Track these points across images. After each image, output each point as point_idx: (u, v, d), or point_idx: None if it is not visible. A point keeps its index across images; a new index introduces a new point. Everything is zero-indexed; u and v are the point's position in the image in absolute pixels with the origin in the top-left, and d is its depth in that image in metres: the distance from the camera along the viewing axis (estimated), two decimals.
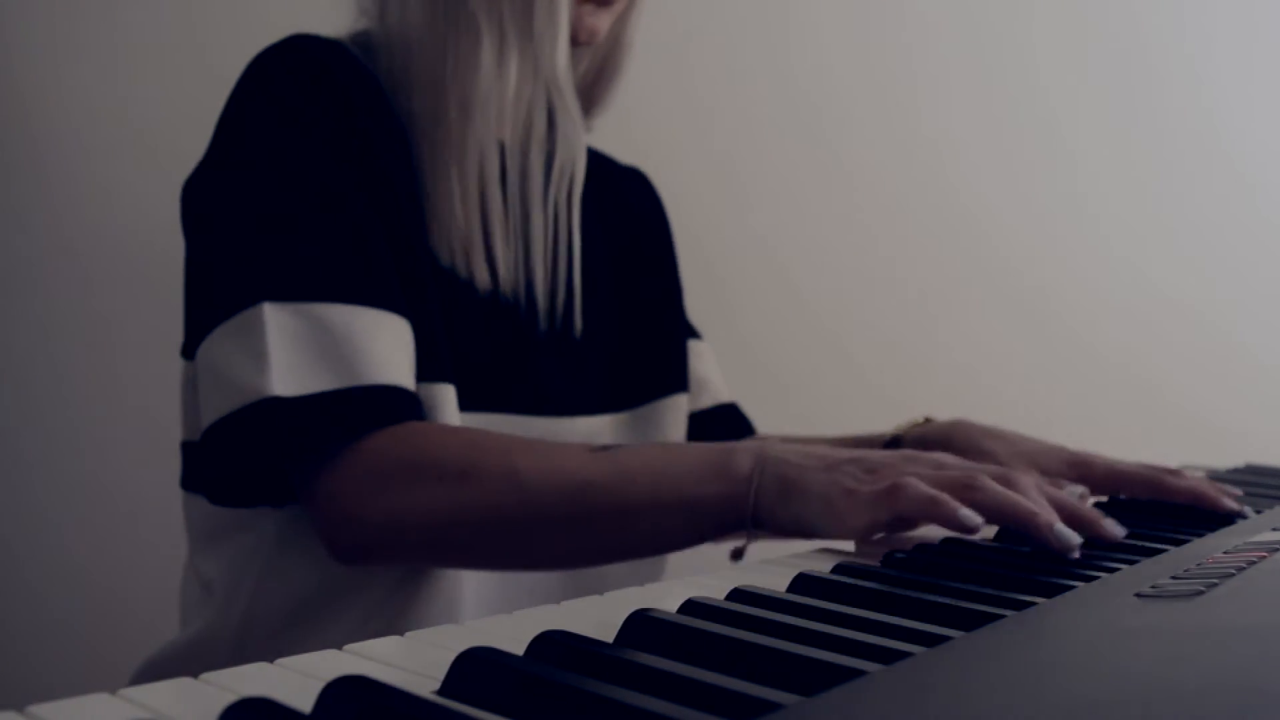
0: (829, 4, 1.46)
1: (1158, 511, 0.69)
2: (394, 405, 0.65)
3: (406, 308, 0.70)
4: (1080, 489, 0.63)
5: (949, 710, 0.28)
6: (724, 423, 0.96)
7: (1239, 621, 0.36)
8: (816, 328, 1.43)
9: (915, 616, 0.40)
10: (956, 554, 0.54)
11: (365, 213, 0.70)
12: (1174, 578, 0.44)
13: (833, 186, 1.46)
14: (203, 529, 0.77)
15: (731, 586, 0.45)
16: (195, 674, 0.34)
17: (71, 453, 1.04)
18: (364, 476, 0.63)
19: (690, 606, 0.42)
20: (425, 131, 0.74)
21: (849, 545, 0.60)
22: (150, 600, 0.96)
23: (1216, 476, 0.83)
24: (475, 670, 0.33)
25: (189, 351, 0.76)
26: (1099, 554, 0.54)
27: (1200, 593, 0.40)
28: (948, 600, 0.43)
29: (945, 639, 0.36)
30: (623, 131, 0.95)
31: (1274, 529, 0.58)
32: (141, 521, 1.05)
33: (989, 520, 0.54)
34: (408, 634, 0.40)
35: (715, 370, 0.98)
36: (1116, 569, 0.49)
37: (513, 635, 0.37)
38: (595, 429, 0.83)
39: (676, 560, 0.85)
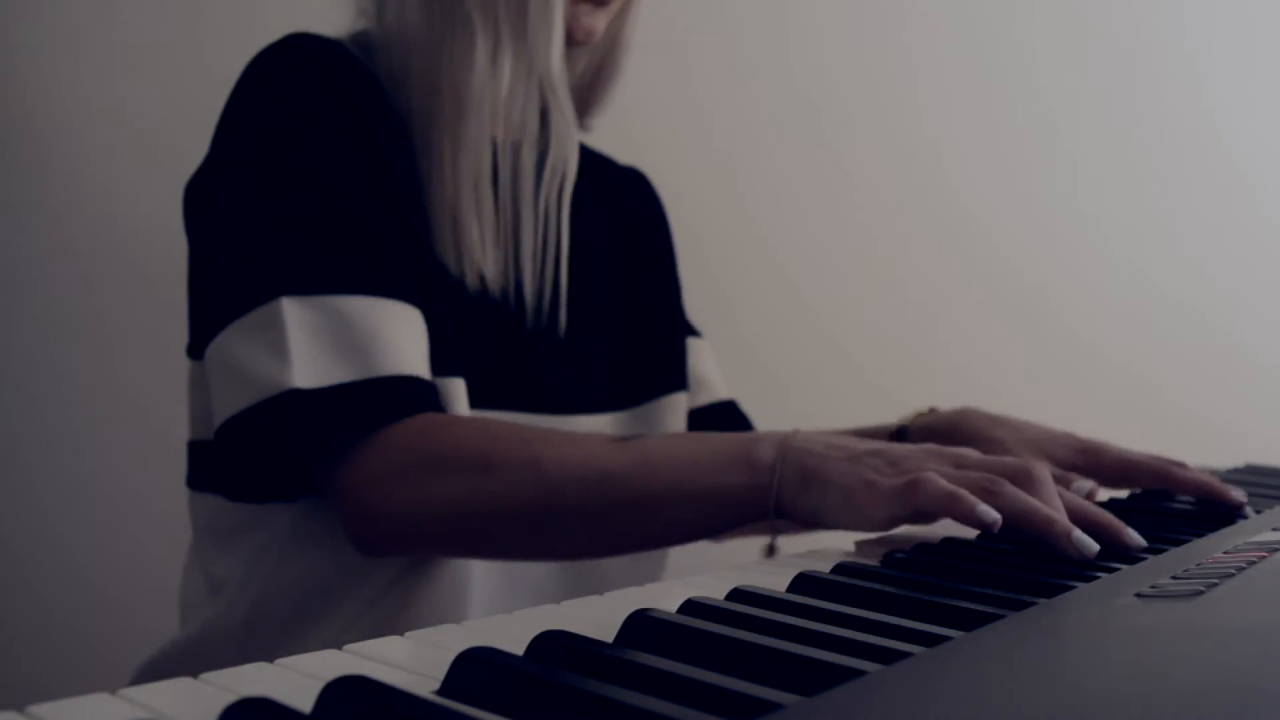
0: (829, 4, 1.46)
1: (1158, 511, 0.69)
2: (413, 396, 0.66)
3: (419, 298, 0.70)
4: (1089, 485, 0.63)
5: (949, 710, 0.28)
6: (723, 420, 0.96)
7: (1239, 621, 0.36)
8: (816, 327, 1.43)
9: (915, 616, 0.40)
10: (956, 554, 0.54)
11: (374, 205, 0.70)
12: (1174, 578, 0.44)
13: (832, 186, 1.46)
14: (212, 527, 0.77)
15: (731, 586, 0.45)
16: (200, 671, 0.34)
17: (71, 453, 1.04)
18: (386, 468, 0.64)
19: (690, 606, 0.42)
20: (422, 130, 0.75)
21: (848, 545, 0.60)
22: (150, 600, 0.96)
23: (1217, 476, 0.83)
24: (475, 670, 0.33)
25: (197, 350, 0.76)
26: (1100, 553, 0.53)
27: (1200, 593, 0.40)
28: (948, 600, 0.43)
29: (945, 639, 0.36)
30: (621, 131, 0.95)
31: (1274, 529, 0.58)
32: (141, 521, 1.05)
33: (1008, 524, 0.54)
34: (407, 634, 0.40)
35: (714, 368, 0.98)
36: (1116, 569, 0.49)
37: (512, 635, 0.37)
38: (595, 428, 0.83)
39: (676, 560, 0.85)
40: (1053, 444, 0.75)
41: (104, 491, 1.05)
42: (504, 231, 0.78)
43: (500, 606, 0.75)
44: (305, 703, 0.30)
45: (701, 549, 0.68)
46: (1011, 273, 1.53)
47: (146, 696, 0.32)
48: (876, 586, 0.46)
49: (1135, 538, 0.56)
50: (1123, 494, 0.75)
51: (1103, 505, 0.69)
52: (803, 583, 0.47)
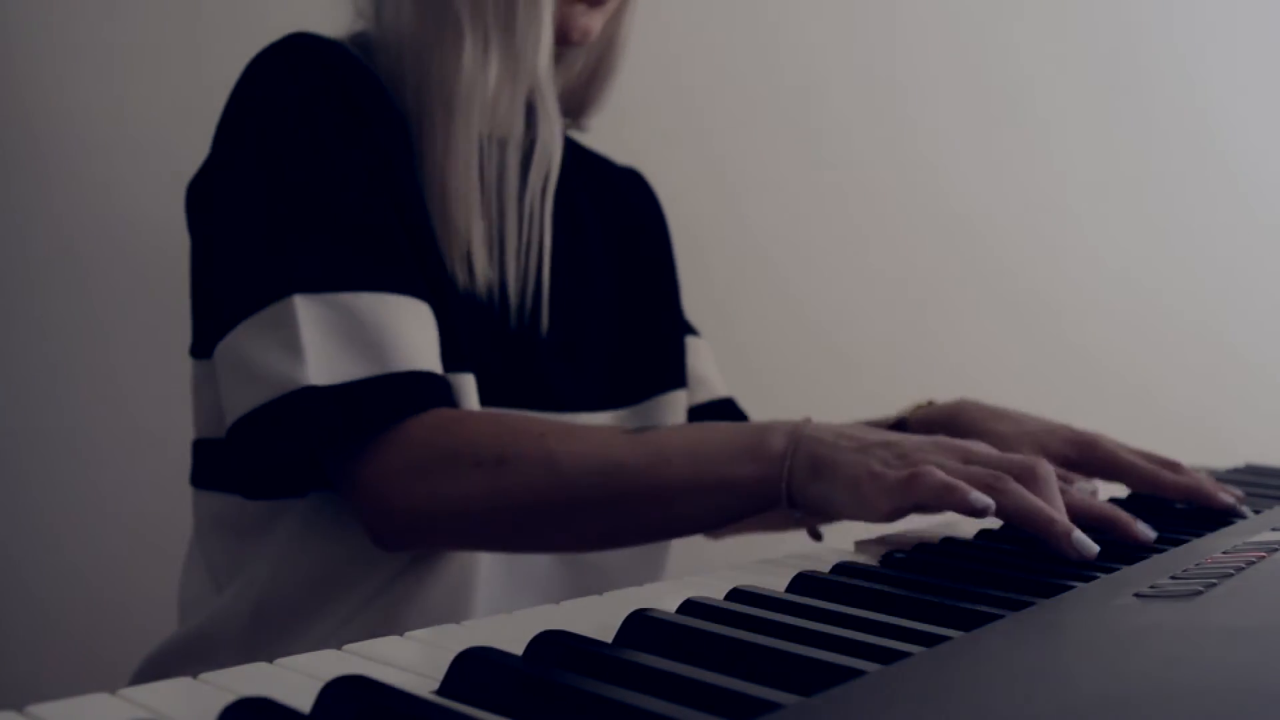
0: (821, 5, 1.46)
1: (1157, 511, 0.69)
2: (427, 391, 0.67)
3: (428, 293, 0.71)
4: (1092, 486, 0.63)
5: (948, 710, 0.28)
6: (722, 417, 0.96)
7: (1238, 621, 0.36)
8: (810, 328, 1.44)
9: (915, 616, 0.40)
10: (956, 554, 0.54)
11: (379, 200, 0.71)
12: (1173, 578, 0.44)
13: (825, 187, 1.46)
14: (219, 523, 0.77)
15: (731, 586, 0.45)
16: (203, 665, 0.34)
17: (70, 452, 1.04)
18: (403, 465, 0.64)
19: (689, 606, 0.42)
20: (416, 129, 0.75)
21: (849, 545, 0.60)
22: (149, 600, 0.96)
23: (1216, 477, 0.83)
24: (474, 670, 0.33)
25: (205, 349, 0.77)
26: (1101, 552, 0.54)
27: (1199, 593, 0.40)
28: (947, 600, 0.43)
29: (945, 639, 0.36)
30: (615, 132, 0.95)
31: (1273, 529, 0.58)
32: (141, 521, 1.05)
33: (1009, 522, 0.54)
34: (407, 634, 0.40)
35: (712, 366, 0.99)
36: (1116, 569, 0.49)
37: (512, 635, 0.37)
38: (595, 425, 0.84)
39: (676, 560, 0.85)
40: (1049, 436, 0.75)
41: (103, 491, 1.05)
42: (491, 232, 0.78)
43: (504, 600, 0.76)
44: (305, 703, 0.30)
45: (701, 549, 0.68)
46: (1005, 274, 1.54)
47: (146, 696, 0.32)
48: (876, 586, 0.46)
49: (1145, 531, 0.56)
50: (1121, 493, 0.75)
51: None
52: (802, 583, 0.47)
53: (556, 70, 0.87)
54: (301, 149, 0.70)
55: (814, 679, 0.32)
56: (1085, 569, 0.51)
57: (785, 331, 1.42)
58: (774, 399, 1.06)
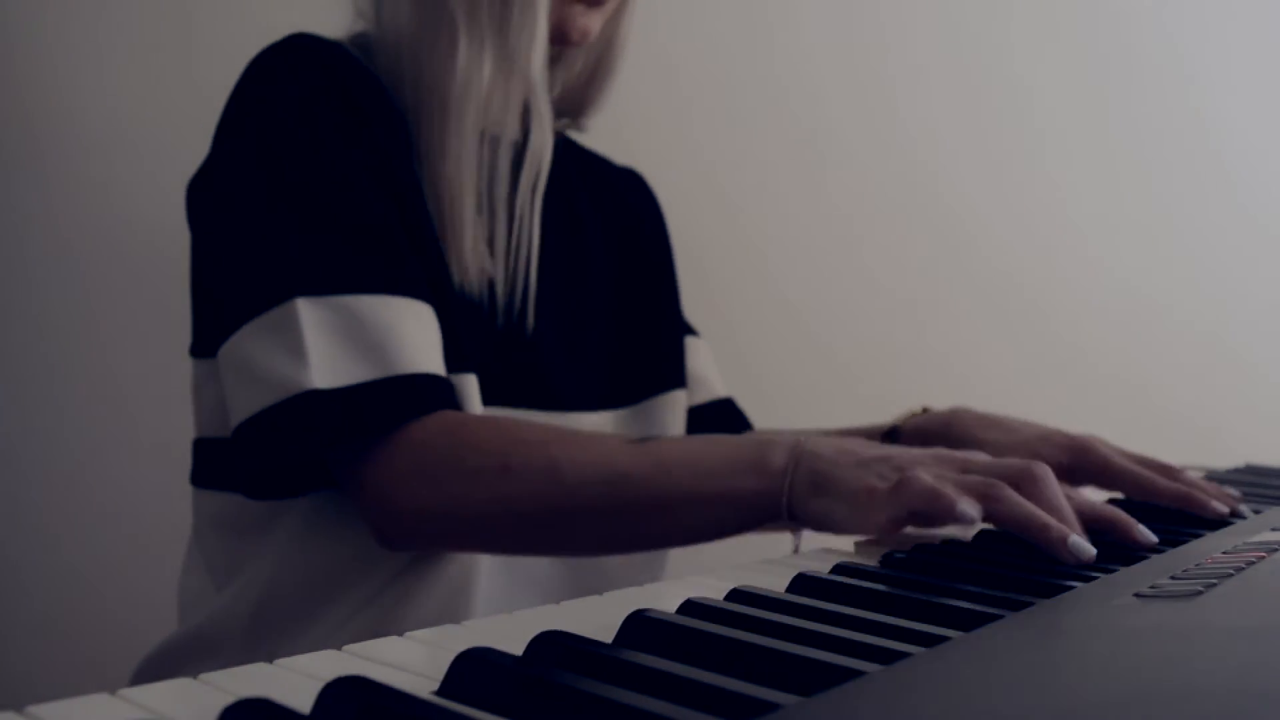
0: (815, 5, 1.46)
1: (1157, 511, 0.69)
2: (431, 393, 0.67)
3: (430, 295, 0.71)
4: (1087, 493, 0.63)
5: (948, 710, 0.28)
6: (721, 418, 0.96)
7: (1238, 622, 0.36)
8: (805, 331, 1.43)
9: (914, 617, 0.40)
10: (956, 554, 0.54)
11: (381, 202, 0.71)
12: (1173, 578, 0.44)
13: (819, 189, 1.46)
14: (221, 522, 0.77)
15: (731, 587, 0.45)
16: (203, 664, 0.34)
17: (68, 452, 1.04)
18: (408, 468, 0.65)
19: (689, 607, 0.42)
20: (415, 129, 0.76)
21: (848, 545, 0.60)
22: (150, 600, 0.96)
23: (1216, 477, 0.83)
24: (474, 670, 0.33)
25: (206, 349, 0.77)
26: (1099, 553, 0.53)
27: (1199, 593, 0.40)
28: (947, 600, 0.43)
29: (944, 639, 0.36)
30: (614, 133, 0.95)
31: (1273, 529, 0.58)
32: (140, 521, 1.05)
33: (1005, 529, 0.54)
34: (407, 634, 0.40)
35: (712, 367, 0.99)
36: (1115, 569, 0.49)
37: (511, 635, 0.37)
38: (595, 425, 0.84)
39: (676, 560, 0.85)
40: (1042, 443, 0.76)
41: (102, 491, 1.05)
42: (481, 231, 0.78)
43: (504, 600, 0.76)
44: (304, 703, 0.30)
45: (701, 549, 0.68)
46: (1001, 275, 1.53)
47: (145, 697, 0.32)
48: (875, 587, 0.46)
49: (1146, 534, 0.56)
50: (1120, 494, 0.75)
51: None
52: (802, 583, 0.47)
53: (556, 70, 0.88)
54: (302, 149, 0.70)
55: (814, 679, 0.32)
56: (1085, 569, 0.51)
57: (781, 334, 1.42)
58: (769, 403, 1.06)
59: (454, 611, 0.73)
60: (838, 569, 0.50)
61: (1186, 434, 1.47)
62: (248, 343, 0.67)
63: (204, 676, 0.34)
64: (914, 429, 0.83)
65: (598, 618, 0.41)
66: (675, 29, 1.32)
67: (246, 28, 0.85)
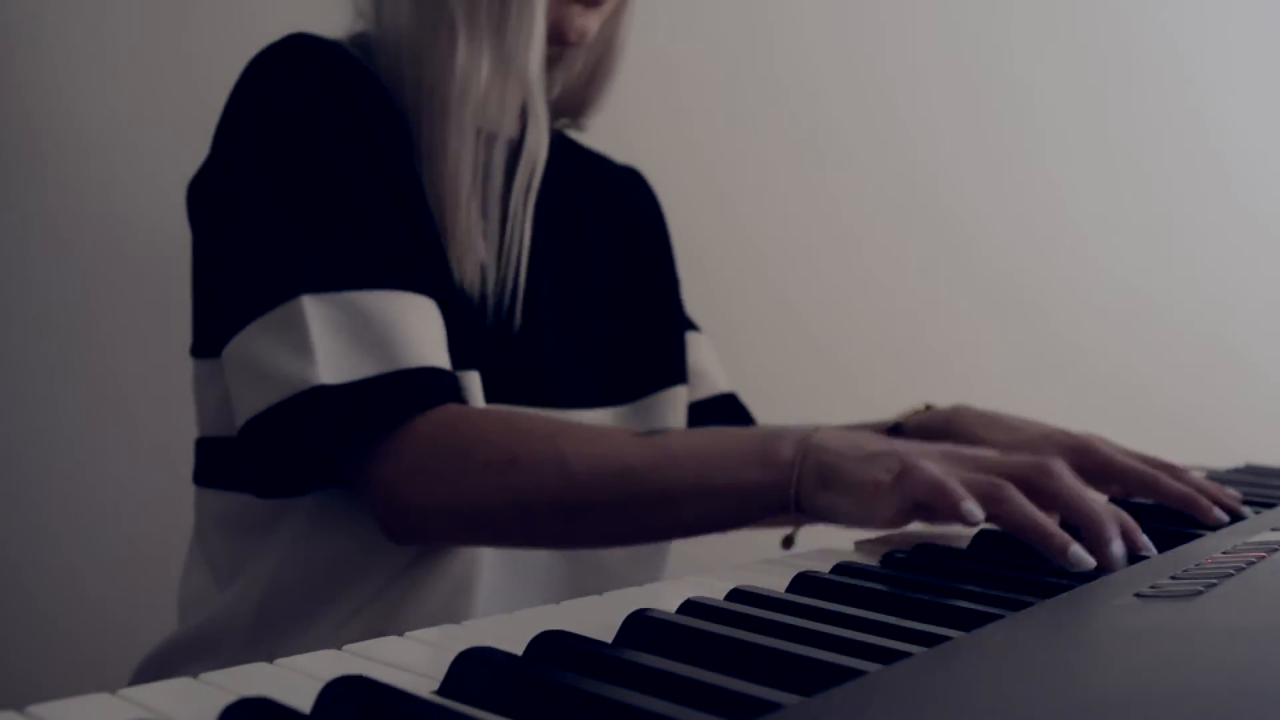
0: (814, 5, 1.46)
1: (1157, 511, 0.69)
2: (437, 386, 0.67)
3: (434, 290, 0.71)
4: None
5: (948, 710, 0.28)
6: (723, 413, 0.97)
7: (1238, 622, 0.36)
8: (805, 331, 1.43)
9: (915, 616, 0.40)
10: (956, 554, 0.55)
11: (383, 198, 0.71)
12: (1173, 578, 0.44)
13: (821, 189, 1.46)
14: (225, 521, 0.78)
15: (731, 586, 0.45)
16: (205, 662, 0.34)
17: (68, 452, 1.04)
18: (415, 462, 0.65)
19: (689, 606, 0.42)
20: (415, 128, 0.76)
21: (848, 545, 0.60)
22: (150, 600, 0.96)
23: (1216, 477, 0.83)
24: (474, 670, 0.33)
25: (208, 349, 0.77)
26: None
27: (1199, 593, 0.40)
28: (947, 600, 0.43)
29: (945, 639, 0.36)
30: (613, 132, 0.95)
31: (1273, 529, 0.58)
32: (140, 521, 1.05)
33: (1008, 532, 0.54)
34: (407, 634, 0.40)
35: (714, 362, 0.99)
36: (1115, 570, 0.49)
37: (512, 635, 0.37)
38: (595, 422, 0.84)
39: (676, 560, 0.85)
40: (1044, 442, 0.76)
41: (102, 491, 1.05)
42: (475, 230, 0.78)
43: (505, 599, 0.76)
44: (305, 703, 0.30)
45: (701, 548, 0.68)
46: (1000, 274, 1.53)
47: (146, 696, 0.32)
48: (876, 586, 0.46)
49: (1147, 546, 0.56)
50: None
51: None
52: (802, 583, 0.47)
53: (556, 70, 0.88)
54: (302, 147, 0.71)
55: (814, 679, 0.32)
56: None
57: (780, 334, 1.42)
58: (769, 402, 1.06)
59: (455, 610, 0.73)
60: (838, 569, 0.50)
61: (1186, 434, 1.47)
62: (253, 341, 0.67)
63: (204, 676, 0.34)
64: (916, 426, 0.83)
65: (598, 618, 0.41)
66: (675, 29, 1.32)
67: (246, 28, 0.85)
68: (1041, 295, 1.55)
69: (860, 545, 0.60)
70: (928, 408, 0.85)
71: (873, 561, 0.53)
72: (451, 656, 0.33)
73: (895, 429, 0.85)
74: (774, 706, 0.29)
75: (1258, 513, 0.68)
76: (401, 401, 0.65)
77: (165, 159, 0.97)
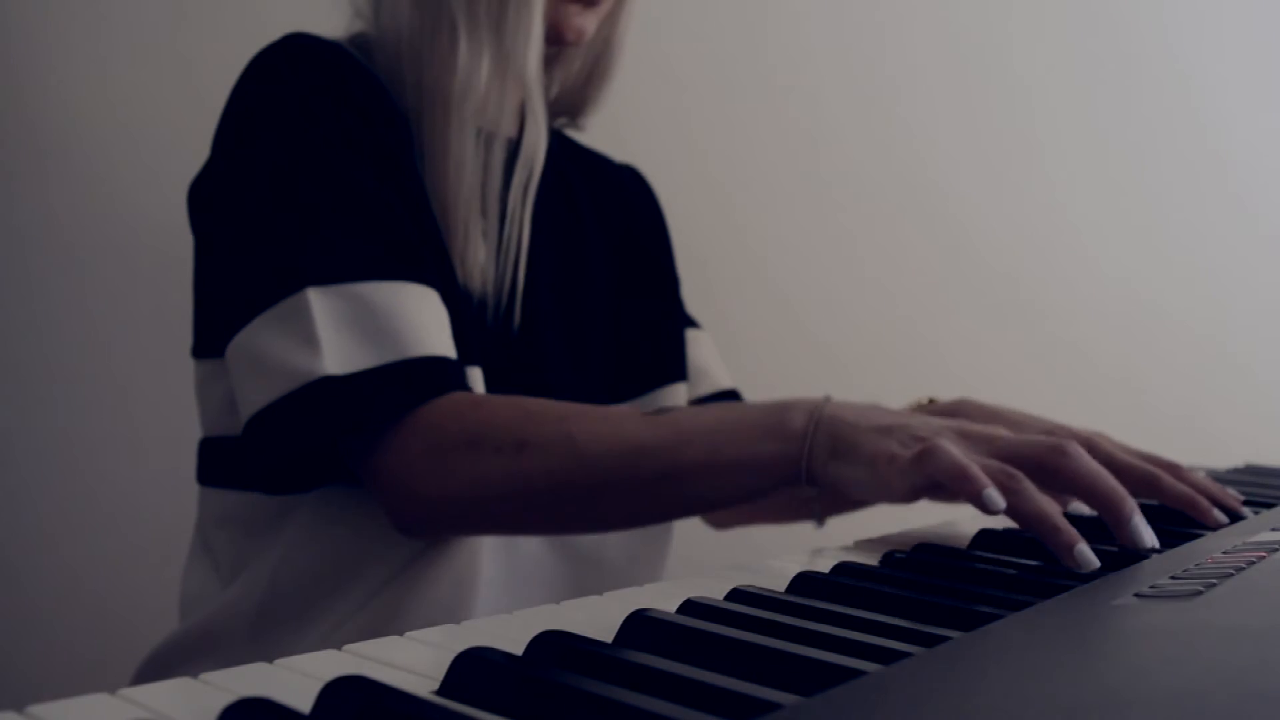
0: (813, 5, 1.46)
1: (1158, 511, 0.69)
2: (443, 375, 0.67)
3: (437, 281, 0.71)
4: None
5: (948, 710, 0.28)
6: None
7: (1238, 621, 0.36)
8: (803, 329, 1.43)
9: (915, 617, 0.40)
10: (956, 554, 0.55)
11: (384, 191, 0.71)
12: (1173, 578, 0.44)
13: (819, 188, 1.46)
14: (229, 519, 0.78)
15: (731, 586, 0.45)
16: (205, 663, 0.34)
17: (69, 452, 1.04)
18: (423, 450, 0.65)
19: (689, 606, 0.42)
20: (415, 128, 0.76)
21: (848, 540, 0.60)
22: (150, 600, 0.96)
23: (1216, 477, 0.83)
24: (474, 670, 0.33)
25: (210, 349, 0.77)
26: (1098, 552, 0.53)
27: (1199, 593, 0.40)
28: (947, 600, 0.43)
29: (945, 639, 0.36)
30: (613, 132, 0.96)
31: (1273, 529, 0.58)
32: (140, 521, 1.05)
33: (1017, 522, 0.54)
34: (407, 634, 0.40)
35: (715, 358, 0.99)
36: (1115, 569, 0.49)
37: (511, 635, 0.37)
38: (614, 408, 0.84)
39: (676, 560, 0.85)
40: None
41: (103, 491, 1.05)
42: (474, 229, 0.78)
43: (505, 597, 0.76)
44: (304, 703, 0.30)
45: (701, 548, 0.68)
46: (997, 274, 1.53)
47: (146, 696, 0.32)
48: (876, 586, 0.46)
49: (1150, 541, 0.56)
50: None
51: None
52: (802, 583, 0.47)
53: (555, 70, 0.88)
54: (303, 144, 0.71)
55: (814, 679, 0.32)
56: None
57: (780, 334, 1.42)
58: (763, 398, 1.06)
59: (456, 608, 0.73)
60: (838, 569, 0.50)
61: (1186, 434, 1.47)
62: (259, 335, 0.67)
63: (204, 676, 0.34)
64: None
65: (598, 618, 0.41)
66: (675, 29, 1.32)
67: (246, 28, 0.85)
68: (1040, 295, 1.55)
69: (860, 545, 0.60)
70: (930, 401, 0.85)
71: (873, 561, 0.53)
72: (451, 656, 0.33)
73: None
74: (774, 706, 0.29)
75: (1258, 513, 0.68)
76: (409, 391, 0.65)
77: (165, 159, 0.97)
